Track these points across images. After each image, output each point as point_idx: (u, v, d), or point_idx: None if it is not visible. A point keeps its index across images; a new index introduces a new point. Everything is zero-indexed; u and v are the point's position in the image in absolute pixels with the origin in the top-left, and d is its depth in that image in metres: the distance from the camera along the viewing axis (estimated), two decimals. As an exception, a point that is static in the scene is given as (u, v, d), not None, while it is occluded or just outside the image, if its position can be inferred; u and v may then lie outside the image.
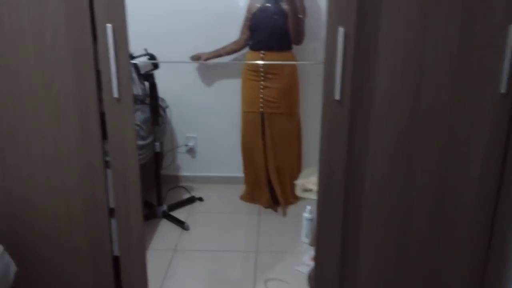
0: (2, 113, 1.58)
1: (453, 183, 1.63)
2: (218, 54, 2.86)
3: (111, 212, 1.70)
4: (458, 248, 1.71)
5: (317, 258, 1.75)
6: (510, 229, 1.67)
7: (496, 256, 1.71)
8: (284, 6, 2.64)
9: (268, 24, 2.69)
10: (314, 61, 2.79)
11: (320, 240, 1.72)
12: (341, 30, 1.45)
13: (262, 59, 2.72)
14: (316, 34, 2.80)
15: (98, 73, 1.54)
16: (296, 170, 2.92)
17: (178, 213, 2.86)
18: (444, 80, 1.52)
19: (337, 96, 1.52)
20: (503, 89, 1.50)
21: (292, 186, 2.88)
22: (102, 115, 1.59)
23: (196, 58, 2.87)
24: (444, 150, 1.60)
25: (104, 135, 1.61)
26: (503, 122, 1.55)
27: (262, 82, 2.77)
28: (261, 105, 2.80)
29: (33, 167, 1.64)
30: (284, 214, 2.89)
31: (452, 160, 1.61)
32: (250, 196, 3.04)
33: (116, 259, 1.75)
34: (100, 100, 1.57)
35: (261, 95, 2.78)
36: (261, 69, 2.74)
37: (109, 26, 1.46)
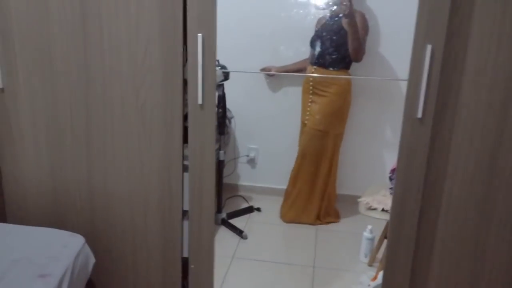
0: (94, 113, 1.68)
1: (537, 212, 1.56)
2: (286, 69, 2.91)
3: (184, 214, 1.75)
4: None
5: (385, 280, 1.71)
6: None
7: None
8: (344, 24, 2.64)
9: (323, 40, 2.71)
10: (391, 78, 2.78)
11: (389, 265, 1.68)
12: (429, 47, 1.44)
13: (313, 73, 2.75)
14: (376, 54, 2.81)
15: (184, 80, 1.60)
16: (326, 189, 2.92)
17: (236, 222, 2.90)
18: (535, 104, 1.47)
19: (419, 114, 1.50)
20: None
21: (328, 205, 2.87)
22: (183, 120, 1.65)
23: (266, 70, 2.94)
24: (530, 177, 1.53)
25: (184, 140, 1.67)
26: None
27: (311, 96, 2.81)
28: (307, 117, 2.82)
29: (117, 165, 1.72)
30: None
31: (538, 188, 1.54)
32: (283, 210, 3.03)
33: (184, 260, 1.80)
34: (184, 105, 1.63)
35: (308, 108, 2.82)
36: (311, 83, 2.78)
37: (199, 35, 1.53)
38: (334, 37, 2.69)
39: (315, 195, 2.91)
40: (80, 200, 1.78)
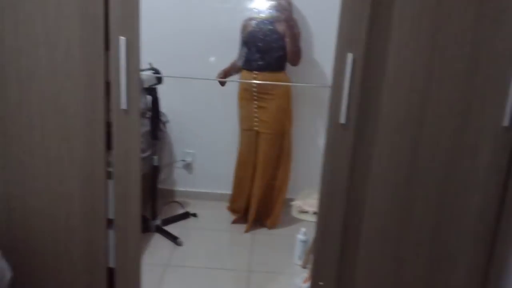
0: (9, 119, 1.59)
1: (452, 212, 1.66)
2: (231, 67, 2.86)
3: (109, 223, 1.70)
4: (456, 275, 1.72)
5: (313, 281, 1.74)
6: (508, 258, 1.69)
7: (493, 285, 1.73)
8: (279, 27, 2.68)
9: (262, 44, 2.72)
10: (317, 84, 2.83)
11: (317, 264, 1.72)
12: (350, 56, 1.49)
13: (255, 79, 2.76)
14: (308, 58, 2.86)
15: (107, 84, 1.55)
16: (284, 191, 2.94)
17: (172, 228, 2.84)
18: (448, 111, 1.56)
19: (343, 120, 1.55)
20: (506, 123, 1.54)
21: (279, 206, 2.89)
22: (107, 126, 1.60)
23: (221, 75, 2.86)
24: (445, 178, 1.62)
25: (108, 146, 1.61)
26: (504, 154, 1.59)
27: (256, 102, 2.80)
28: (256, 123, 2.83)
29: (35, 173, 1.63)
30: (247, 230, 2.89)
31: (453, 190, 1.63)
32: (234, 212, 3.05)
33: (110, 270, 1.74)
34: (107, 111, 1.58)
35: (255, 115, 2.82)
36: (255, 89, 2.78)
37: (122, 38, 1.48)
38: (273, 42, 2.71)
39: (276, 198, 2.92)
40: (-5, 211, 1.67)
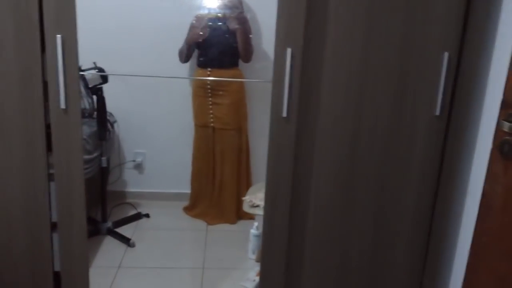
0: None
1: (391, 200, 1.74)
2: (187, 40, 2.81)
3: (54, 226, 1.65)
4: (396, 262, 1.80)
5: (262, 273, 1.78)
6: (443, 244, 1.79)
7: (432, 270, 1.82)
8: (231, 25, 2.71)
9: (215, 42, 2.74)
10: (262, 79, 2.88)
11: (265, 255, 1.75)
12: (288, 51, 1.53)
13: (209, 76, 2.77)
14: (261, 54, 2.90)
15: (45, 84, 1.51)
16: (244, 186, 2.96)
17: (124, 230, 2.80)
18: (383, 101, 1.63)
19: (284, 113, 1.58)
20: (437, 112, 1.63)
21: (240, 202, 2.91)
22: (47, 128, 1.56)
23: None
24: (383, 167, 1.70)
25: (49, 147, 1.57)
26: (437, 142, 1.68)
27: (210, 99, 2.82)
28: (212, 120, 2.85)
29: (-29, 177, 1.57)
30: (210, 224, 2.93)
31: (391, 177, 1.71)
32: (193, 210, 3.04)
33: (57, 275, 1.70)
34: (46, 112, 1.54)
35: (210, 111, 2.84)
36: (209, 86, 2.80)
37: (58, 36, 1.45)
38: (225, 39, 2.73)
39: (236, 193, 2.94)
40: None
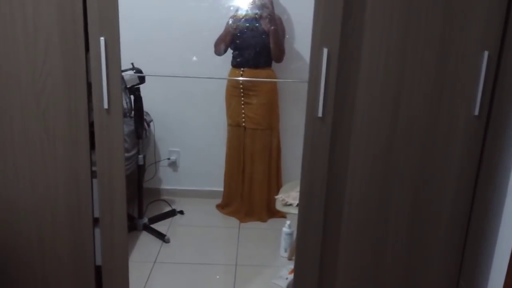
0: (-9, 121, 1.60)
1: (428, 201, 1.72)
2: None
3: (95, 221, 1.72)
4: (433, 263, 1.78)
5: (296, 272, 1.79)
6: (481, 245, 1.75)
7: (468, 272, 1.79)
8: (264, 25, 2.73)
9: (248, 43, 2.77)
10: (295, 79, 2.89)
11: (299, 253, 1.77)
12: (325, 51, 1.53)
13: (242, 76, 2.80)
14: (294, 54, 2.91)
15: (89, 85, 1.57)
16: (276, 185, 2.99)
17: (159, 226, 2.87)
18: (421, 101, 1.61)
19: (320, 114, 1.59)
20: (476, 112, 1.60)
21: (272, 201, 2.93)
22: (91, 126, 1.62)
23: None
24: (420, 168, 1.68)
25: (92, 145, 1.64)
26: (476, 142, 1.65)
27: (243, 99, 2.86)
28: (243, 119, 2.88)
29: (20, 174, 1.65)
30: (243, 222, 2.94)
31: (427, 178, 1.69)
32: (226, 208, 3.08)
33: (98, 269, 1.76)
34: (89, 111, 1.60)
35: (242, 111, 2.87)
36: (241, 86, 2.83)
37: (102, 39, 1.51)
38: (257, 39, 2.76)
39: (267, 192, 2.97)
40: (-20, 213, 1.69)
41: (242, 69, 2.81)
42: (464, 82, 1.60)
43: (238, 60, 2.82)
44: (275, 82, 2.89)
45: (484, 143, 1.67)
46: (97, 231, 1.72)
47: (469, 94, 1.61)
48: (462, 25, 1.55)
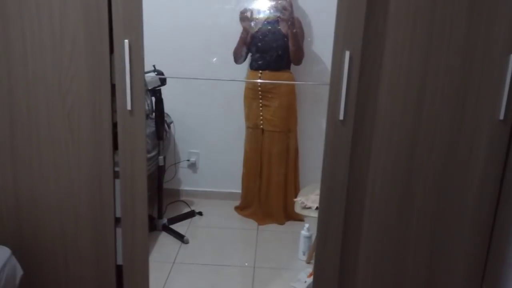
0: (18, 120, 1.64)
1: (450, 205, 1.69)
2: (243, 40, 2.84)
3: (117, 221, 1.74)
4: (455, 268, 1.75)
5: (316, 276, 1.78)
6: (505, 251, 1.72)
7: (492, 277, 1.75)
8: (283, 27, 2.73)
9: (267, 45, 2.77)
10: (313, 82, 2.88)
11: (319, 257, 1.76)
12: (347, 54, 1.53)
13: (260, 78, 2.81)
14: (312, 57, 2.90)
15: (113, 86, 1.60)
16: (293, 187, 2.98)
17: (178, 227, 2.89)
18: (444, 105, 1.59)
19: (341, 117, 1.59)
20: (501, 116, 1.57)
21: (289, 203, 2.93)
22: (114, 126, 1.65)
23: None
24: (443, 172, 1.66)
25: (115, 146, 1.66)
26: (501, 146, 1.62)
27: (261, 101, 2.86)
28: (261, 122, 2.88)
29: (44, 173, 1.68)
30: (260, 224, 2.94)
31: (450, 183, 1.67)
32: (244, 210, 3.09)
33: (119, 268, 1.79)
34: (113, 112, 1.63)
35: (260, 113, 2.87)
36: (259, 88, 2.83)
37: (126, 41, 1.53)
38: (276, 41, 2.76)
39: (284, 194, 2.98)
40: (6, 210, 1.72)
41: (260, 71, 2.81)
42: (489, 86, 1.57)
43: (259, 62, 2.82)
44: (293, 85, 2.89)
45: (509, 148, 1.63)
46: (119, 231, 1.74)
47: (494, 98, 1.58)
48: (487, 28, 1.52)
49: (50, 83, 1.60)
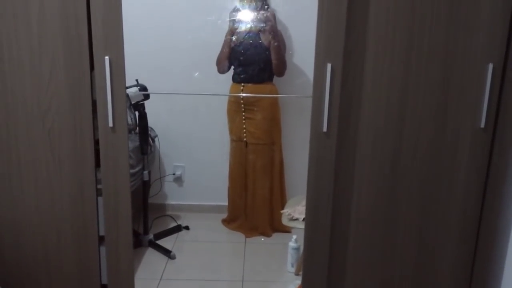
0: (-2, 141, 1.61)
1: (435, 212, 1.70)
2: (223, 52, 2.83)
3: (101, 239, 1.71)
4: (442, 275, 1.76)
5: (304, 286, 1.77)
6: (491, 259, 1.73)
7: (478, 285, 1.76)
8: (265, 41, 2.74)
9: (249, 59, 2.77)
10: (296, 94, 2.90)
11: (306, 269, 1.75)
12: (329, 66, 1.54)
13: (242, 91, 2.80)
14: (294, 69, 2.92)
15: (94, 103, 1.58)
16: (279, 199, 2.97)
17: (164, 242, 2.85)
18: (426, 114, 1.61)
19: (325, 129, 1.59)
20: (482, 124, 1.59)
21: (276, 215, 2.92)
22: (95, 144, 1.62)
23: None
24: (426, 180, 1.67)
25: (97, 163, 1.64)
26: (483, 154, 1.64)
27: (244, 114, 2.85)
28: (245, 135, 2.88)
29: (25, 192, 1.65)
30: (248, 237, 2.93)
31: (435, 189, 1.68)
32: (231, 223, 3.07)
33: (104, 287, 1.75)
34: (94, 129, 1.61)
35: (244, 126, 2.87)
36: (242, 101, 2.83)
37: (106, 58, 1.52)
38: (259, 55, 2.76)
39: (270, 206, 2.97)
40: (-14, 233, 1.68)
41: (242, 84, 2.81)
42: (469, 94, 1.59)
43: (241, 76, 2.81)
44: (276, 97, 2.90)
45: (491, 156, 1.66)
46: (103, 249, 1.71)
47: (474, 106, 1.60)
48: (465, 37, 1.55)
49: (30, 102, 1.57)
